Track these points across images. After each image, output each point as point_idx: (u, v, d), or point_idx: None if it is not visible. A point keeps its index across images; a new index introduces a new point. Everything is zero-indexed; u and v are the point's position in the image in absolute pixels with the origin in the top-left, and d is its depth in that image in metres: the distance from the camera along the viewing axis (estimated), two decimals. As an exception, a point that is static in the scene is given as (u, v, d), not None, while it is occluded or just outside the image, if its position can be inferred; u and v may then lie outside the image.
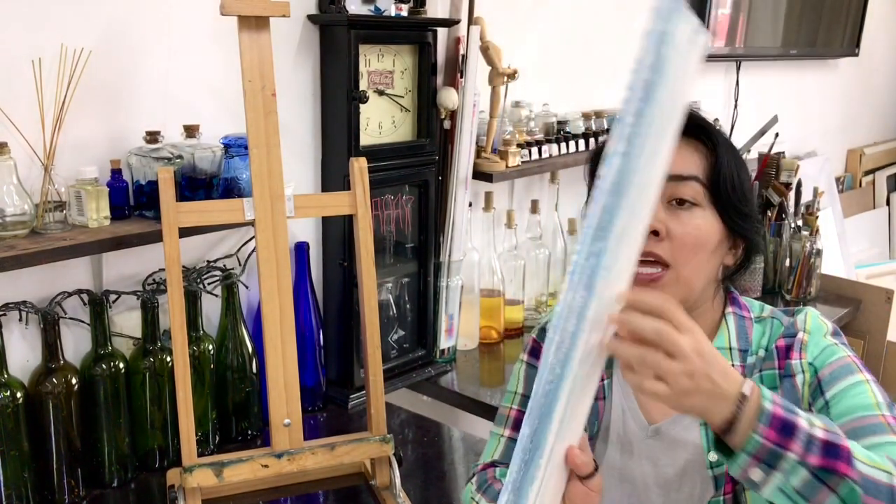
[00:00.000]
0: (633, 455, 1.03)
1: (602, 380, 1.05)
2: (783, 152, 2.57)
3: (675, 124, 0.74)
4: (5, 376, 1.26)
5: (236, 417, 1.54)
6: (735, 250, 1.02)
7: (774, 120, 2.53)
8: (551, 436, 0.77)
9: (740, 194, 0.98)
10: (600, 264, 0.72)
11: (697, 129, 0.99)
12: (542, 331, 1.15)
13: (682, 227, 0.95)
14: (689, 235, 0.95)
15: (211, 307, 1.53)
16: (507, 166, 1.91)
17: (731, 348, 1.00)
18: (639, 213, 0.73)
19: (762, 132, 2.53)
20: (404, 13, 1.67)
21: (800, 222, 2.43)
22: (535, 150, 2.01)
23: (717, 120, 2.63)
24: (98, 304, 1.34)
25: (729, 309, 1.04)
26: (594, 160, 1.04)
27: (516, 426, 1.08)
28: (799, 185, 2.44)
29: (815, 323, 1.00)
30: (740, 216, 0.98)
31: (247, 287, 1.59)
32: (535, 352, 1.14)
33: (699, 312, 1.01)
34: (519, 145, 1.96)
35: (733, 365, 0.98)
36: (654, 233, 0.94)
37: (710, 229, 0.96)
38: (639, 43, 0.72)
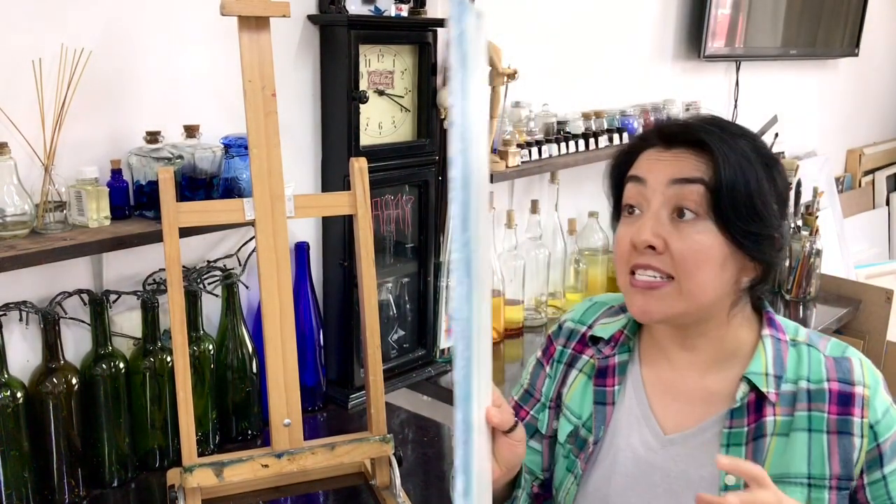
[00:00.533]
0: (643, 463, 1.00)
1: (612, 385, 1.03)
2: (783, 152, 2.58)
3: (485, 105, 0.80)
4: (5, 376, 1.26)
5: (236, 417, 1.55)
6: (753, 266, 0.95)
7: (774, 120, 2.53)
8: (475, 412, 0.81)
9: (747, 210, 0.91)
10: (471, 250, 0.78)
11: (700, 136, 0.93)
12: (559, 328, 1.14)
13: (682, 242, 0.91)
14: (689, 250, 0.91)
15: (211, 307, 1.53)
16: (507, 166, 1.91)
17: (766, 374, 0.95)
18: (482, 193, 0.80)
19: (762, 132, 2.53)
20: (404, 13, 1.67)
21: (800, 222, 2.43)
22: (534, 150, 2.01)
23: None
24: (98, 304, 1.34)
25: (766, 331, 0.98)
26: (614, 170, 1.02)
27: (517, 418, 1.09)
28: (799, 185, 2.44)
29: (873, 377, 0.95)
30: (747, 235, 0.91)
31: (247, 287, 1.59)
32: (546, 350, 1.13)
33: (713, 325, 0.97)
34: (519, 145, 1.96)
35: (768, 392, 0.93)
36: (651, 247, 0.91)
37: (712, 244, 0.91)
38: (451, 48, 0.76)
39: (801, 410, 0.94)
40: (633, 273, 0.95)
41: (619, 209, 1.01)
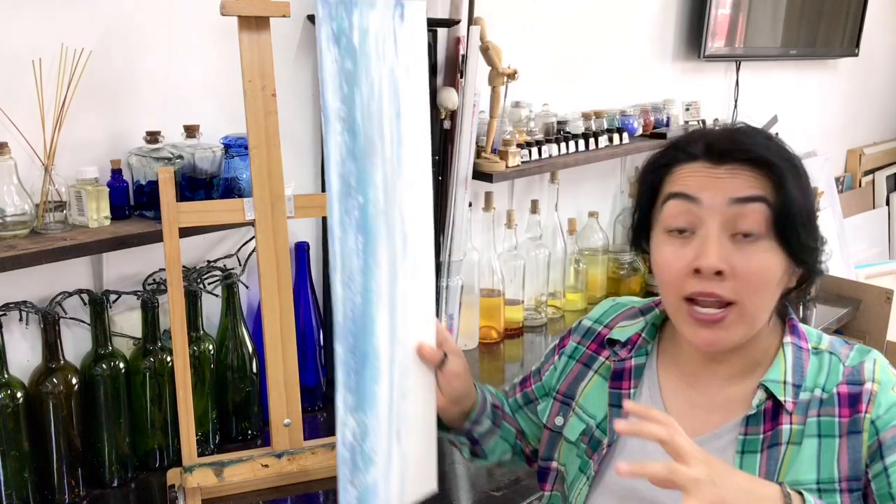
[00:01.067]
0: None
1: (628, 388, 1.02)
2: (783, 152, 2.57)
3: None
4: (5, 376, 1.26)
5: (236, 417, 1.54)
6: (796, 274, 0.94)
7: (774, 120, 2.53)
8: (383, 347, 0.97)
9: (806, 226, 0.89)
10: (367, 209, 0.94)
11: (761, 154, 0.90)
12: (579, 325, 1.14)
13: (747, 263, 0.88)
14: (754, 274, 0.88)
15: (211, 307, 1.53)
16: (507, 166, 1.91)
17: (785, 382, 0.93)
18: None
19: (762, 132, 2.53)
20: (404, 13, 1.67)
21: (800, 222, 2.43)
22: (534, 150, 2.01)
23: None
24: (98, 304, 1.34)
25: (788, 338, 0.97)
26: (647, 182, 0.99)
27: (521, 390, 1.17)
28: (799, 185, 2.44)
29: (885, 375, 0.93)
30: (806, 250, 0.90)
31: (247, 287, 1.59)
32: (561, 342, 1.14)
33: (753, 340, 0.95)
34: (519, 145, 1.96)
35: (785, 400, 0.92)
36: (718, 272, 0.88)
37: (776, 265, 0.89)
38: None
39: (812, 417, 0.92)
40: (691, 301, 0.91)
41: (647, 223, 0.98)
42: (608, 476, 1.01)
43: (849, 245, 3.40)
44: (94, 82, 1.33)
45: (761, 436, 0.92)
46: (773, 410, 0.93)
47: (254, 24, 1.26)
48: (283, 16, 1.28)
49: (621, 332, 1.07)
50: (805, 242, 0.89)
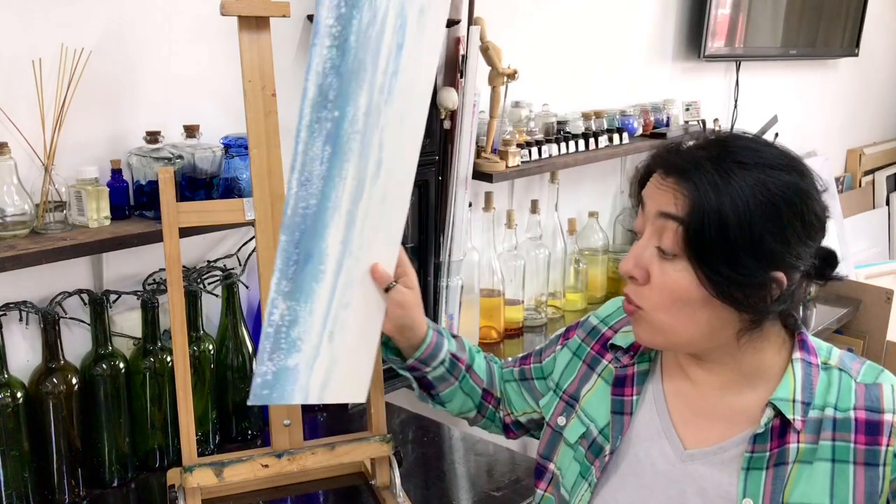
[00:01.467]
0: (662, 476, 0.97)
1: (631, 395, 1.02)
2: (783, 152, 2.57)
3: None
4: (5, 376, 1.26)
5: (236, 417, 1.55)
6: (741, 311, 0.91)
7: (774, 120, 2.53)
8: (331, 254, 1.06)
9: (723, 255, 0.85)
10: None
11: (685, 167, 0.88)
12: (586, 321, 1.15)
13: (661, 277, 0.90)
14: (663, 289, 0.90)
15: (211, 307, 1.53)
16: (507, 166, 1.91)
17: (794, 400, 0.91)
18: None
19: (762, 132, 2.53)
20: (404, 13, 1.67)
21: (800, 222, 2.43)
22: (534, 150, 2.01)
23: (717, 123, 2.63)
24: (98, 304, 1.34)
25: (797, 354, 0.95)
26: (633, 189, 0.99)
27: (519, 365, 1.20)
28: (799, 185, 2.44)
29: None
30: (733, 283, 0.86)
31: (247, 287, 1.59)
32: (566, 333, 1.16)
33: (721, 352, 0.94)
34: (519, 145, 1.96)
35: (794, 419, 0.90)
36: (631, 277, 0.93)
37: (689, 287, 0.88)
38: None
39: (826, 440, 0.90)
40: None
41: None
42: (611, 483, 1.00)
43: (849, 245, 3.40)
44: (94, 82, 1.33)
45: (767, 453, 0.91)
46: (781, 428, 0.92)
47: (254, 24, 1.26)
48: (283, 16, 1.28)
49: (624, 338, 1.06)
50: (718, 269, 0.86)
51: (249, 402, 1.14)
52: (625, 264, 0.93)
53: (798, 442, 0.90)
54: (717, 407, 0.97)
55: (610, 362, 1.06)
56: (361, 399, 1.16)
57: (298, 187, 1.06)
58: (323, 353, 1.12)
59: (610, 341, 1.07)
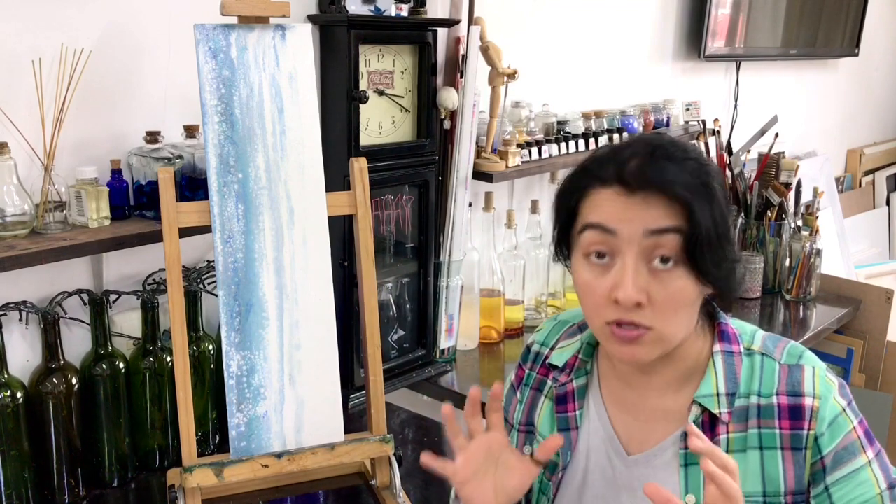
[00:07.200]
0: (614, 484, 1.00)
1: (574, 410, 1.03)
2: (783, 152, 2.57)
3: None
4: (5, 376, 1.26)
5: (236, 417, 1.54)
6: (709, 286, 0.92)
7: (774, 120, 2.53)
8: (269, 300, 1.19)
9: (718, 251, 0.88)
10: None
11: (671, 186, 0.87)
12: (527, 351, 1.12)
13: (664, 292, 0.88)
14: (671, 301, 0.88)
15: (211, 307, 1.53)
16: (507, 166, 1.91)
17: (718, 394, 0.93)
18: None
19: (762, 132, 2.53)
20: (404, 13, 1.67)
21: (800, 222, 2.43)
22: (534, 150, 2.01)
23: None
24: (98, 304, 1.34)
25: (717, 346, 0.96)
26: (563, 202, 0.96)
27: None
28: (799, 185, 2.44)
29: (824, 386, 0.92)
30: (718, 272, 0.89)
31: (247, 287, 1.59)
32: (517, 373, 1.12)
33: (682, 350, 0.95)
34: (519, 145, 1.96)
35: (720, 412, 0.92)
36: (637, 304, 0.87)
37: (690, 288, 0.89)
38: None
39: (753, 428, 0.92)
40: (615, 324, 0.90)
41: (568, 238, 0.96)
42: (568, 496, 1.02)
43: (849, 245, 3.41)
44: (94, 82, 1.33)
45: None
46: (710, 422, 0.93)
47: (254, 24, 1.26)
48: (283, 16, 1.28)
49: (559, 356, 1.07)
50: (712, 265, 0.88)
51: (231, 457, 1.21)
52: (626, 293, 0.87)
53: (728, 433, 0.93)
54: (655, 409, 0.98)
55: (551, 381, 1.07)
56: (339, 438, 1.24)
57: (223, 245, 1.18)
58: (288, 397, 1.21)
59: (547, 362, 1.08)
